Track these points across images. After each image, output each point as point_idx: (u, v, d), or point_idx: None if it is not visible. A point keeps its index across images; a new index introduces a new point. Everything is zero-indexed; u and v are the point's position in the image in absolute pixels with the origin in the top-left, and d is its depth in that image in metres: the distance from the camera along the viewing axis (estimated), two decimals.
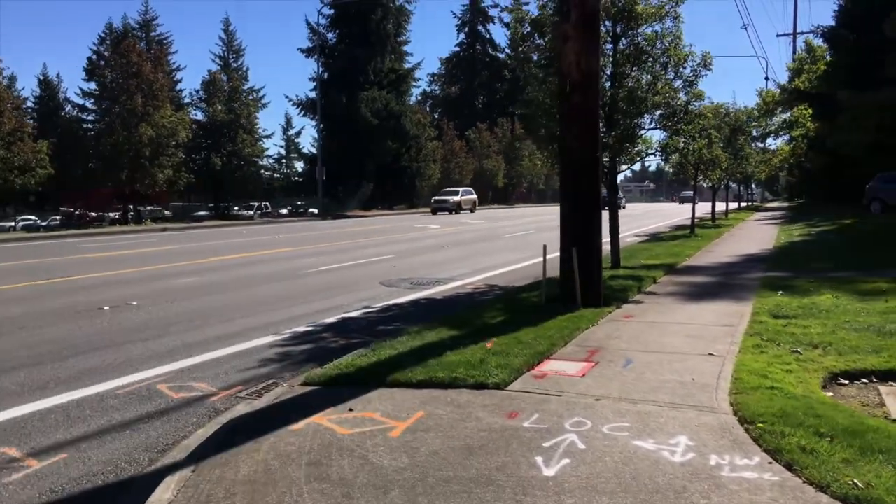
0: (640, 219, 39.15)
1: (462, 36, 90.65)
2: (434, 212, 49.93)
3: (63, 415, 5.67)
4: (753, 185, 61.42)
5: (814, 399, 5.07)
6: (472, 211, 52.26)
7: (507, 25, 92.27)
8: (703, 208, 26.43)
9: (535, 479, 3.93)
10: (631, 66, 12.01)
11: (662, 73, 12.24)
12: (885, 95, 31.06)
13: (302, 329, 8.91)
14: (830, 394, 5.48)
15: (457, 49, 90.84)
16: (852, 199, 37.55)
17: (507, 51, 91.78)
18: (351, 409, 5.22)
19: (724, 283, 11.41)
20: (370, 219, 45.18)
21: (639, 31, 11.89)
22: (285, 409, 5.42)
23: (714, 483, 3.81)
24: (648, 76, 12.20)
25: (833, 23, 40.41)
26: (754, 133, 32.01)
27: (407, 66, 66.60)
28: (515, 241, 23.28)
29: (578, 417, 4.85)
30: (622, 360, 6.40)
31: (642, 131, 12.54)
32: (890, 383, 5.68)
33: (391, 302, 10.87)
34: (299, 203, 57.58)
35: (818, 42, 42.00)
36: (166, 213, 48.46)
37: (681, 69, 12.18)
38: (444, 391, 5.54)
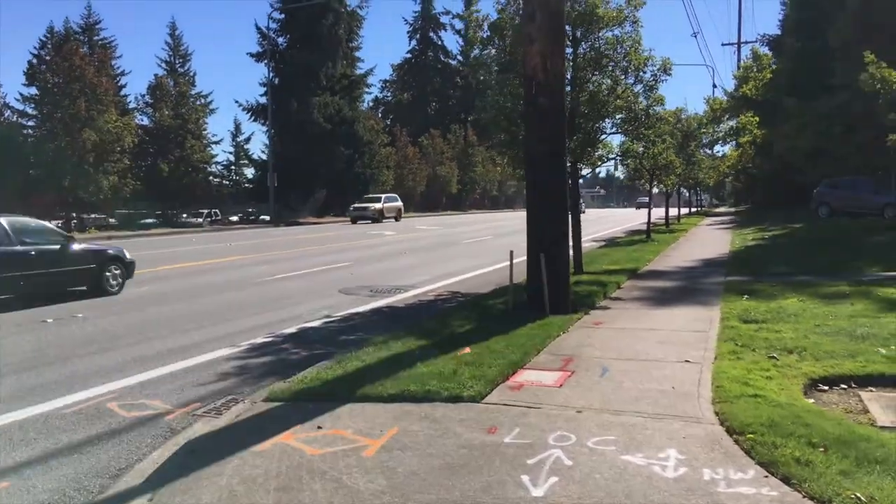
0: (595, 224, 39.44)
1: (413, 42, 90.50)
2: (354, 221, 45.31)
3: (4, 438, 5.22)
4: (700, 191, 62.52)
5: (799, 407, 4.96)
6: (396, 220, 47.11)
7: (458, 32, 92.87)
8: (655, 213, 26.66)
9: (524, 500, 3.69)
10: (592, 70, 11.94)
11: (623, 77, 12.20)
12: (826, 103, 31.92)
13: (260, 340, 8.53)
14: (812, 400, 5.38)
15: (408, 55, 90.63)
16: (798, 203, 38.43)
17: (459, 57, 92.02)
18: (320, 427, 4.90)
19: (688, 287, 11.39)
20: (324, 225, 44.56)
21: (599, 34, 11.82)
22: (248, 427, 5.07)
23: (711, 500, 3.62)
24: (609, 81, 12.13)
25: (778, 31, 41.45)
26: (703, 140, 32.55)
27: (359, 71, 66.02)
28: (473, 247, 23.12)
29: (561, 431, 4.63)
30: (598, 368, 6.21)
31: (603, 136, 12.48)
32: (870, 388, 5.61)
33: (352, 311, 10.53)
34: (250, 210, 56.37)
35: (764, 50, 43.02)
36: (111, 220, 46.94)
37: (641, 73, 12.16)
38: (417, 405, 5.27)
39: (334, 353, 7.37)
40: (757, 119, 36.75)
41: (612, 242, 22.64)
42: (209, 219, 50.17)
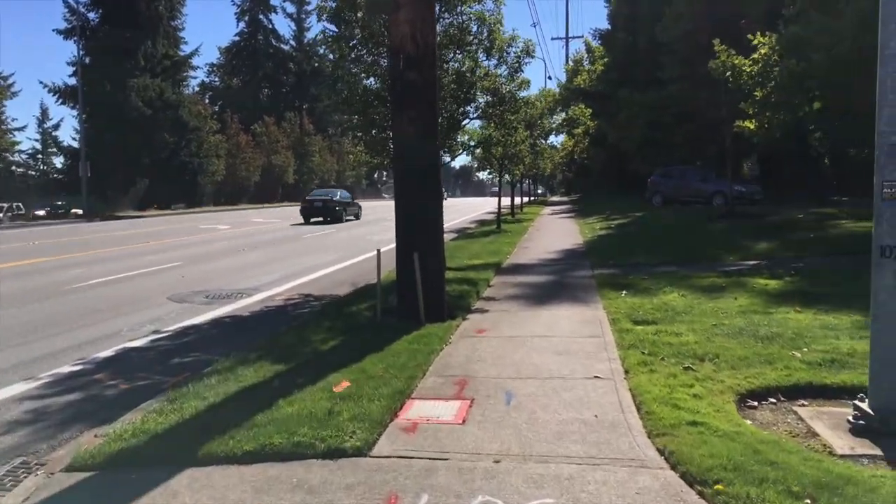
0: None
1: (242, 25, 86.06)
2: None
3: None
4: (537, 181, 64.36)
5: (749, 436, 4.19)
6: None
7: (291, 17, 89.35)
8: (496, 203, 26.25)
9: None
10: (455, 49, 10.94)
11: (484, 59, 11.33)
12: (656, 95, 33.34)
13: (67, 369, 6.76)
14: (749, 422, 4.66)
15: (237, 39, 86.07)
16: (631, 192, 40.10)
17: (293, 42, 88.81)
18: None
19: (560, 282, 10.73)
20: (148, 220, 40.76)
21: (462, 9, 10.83)
22: None
23: None
24: (470, 62, 11.20)
25: (608, 26, 43.00)
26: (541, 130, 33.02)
27: (183, 52, 61.44)
28: (318, 241, 21.60)
29: (484, 496, 3.54)
30: (500, 393, 5.19)
31: (467, 121, 11.56)
32: (801, 402, 5.00)
33: (186, 323, 8.86)
34: (60, 203, 50.39)
35: (596, 43, 44.52)
36: None
37: (504, 54, 11.34)
38: (285, 466, 3.97)
39: (164, 386, 5.86)
40: (590, 110, 37.94)
41: (464, 234, 21.99)
42: (9, 214, 44.48)
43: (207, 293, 11.20)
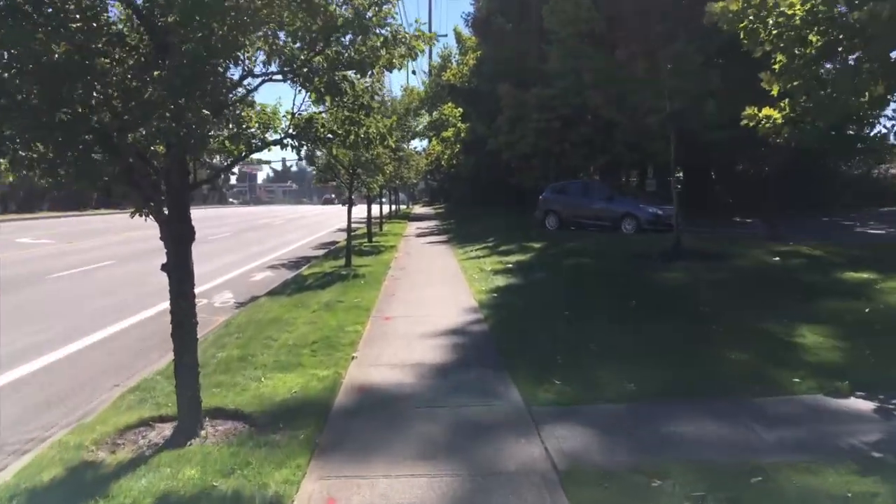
0: (279, 234, 31.74)
1: None
2: None
3: None
4: (399, 190, 58.06)
5: None
6: None
7: None
8: (348, 217, 18.95)
9: None
10: None
11: None
12: (541, 94, 27.95)
13: None
14: None
15: None
16: (510, 207, 34.79)
17: None
18: None
19: None
20: None
21: None
22: None
23: None
24: None
25: (484, 11, 37.44)
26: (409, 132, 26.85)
27: None
28: (70, 287, 13.98)
29: None
30: None
31: (253, 81, 4.81)
32: None
33: None
34: None
35: (468, 32, 38.84)
36: None
37: None
38: None
39: None
40: (460, 111, 32.05)
41: (296, 276, 15.03)
42: None
43: None
